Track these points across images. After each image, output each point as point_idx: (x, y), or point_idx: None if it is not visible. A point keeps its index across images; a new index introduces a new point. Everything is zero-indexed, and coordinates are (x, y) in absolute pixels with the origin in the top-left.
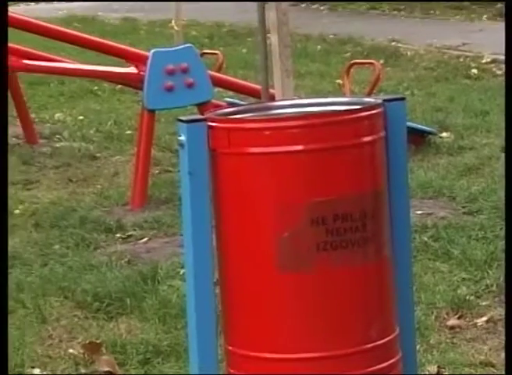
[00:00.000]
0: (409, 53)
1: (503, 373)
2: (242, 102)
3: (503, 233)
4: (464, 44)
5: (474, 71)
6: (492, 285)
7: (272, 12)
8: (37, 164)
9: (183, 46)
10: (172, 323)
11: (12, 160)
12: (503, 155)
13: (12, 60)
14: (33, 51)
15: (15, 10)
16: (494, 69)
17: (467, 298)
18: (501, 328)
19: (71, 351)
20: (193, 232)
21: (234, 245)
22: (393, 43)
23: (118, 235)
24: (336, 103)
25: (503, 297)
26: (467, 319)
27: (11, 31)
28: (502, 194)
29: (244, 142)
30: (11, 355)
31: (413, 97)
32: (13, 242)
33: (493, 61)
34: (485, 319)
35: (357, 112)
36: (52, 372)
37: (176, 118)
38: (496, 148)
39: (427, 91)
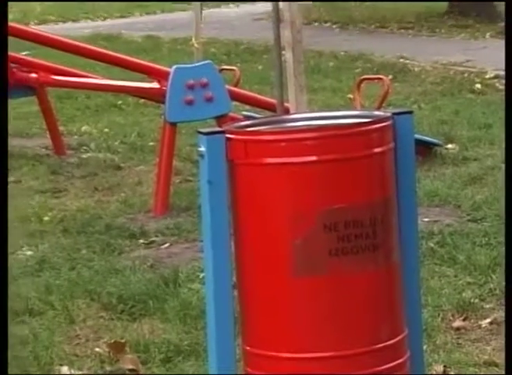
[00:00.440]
0: (416, 69)
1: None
2: (258, 115)
3: None
4: (468, 60)
5: (478, 86)
6: (495, 289)
7: (286, 30)
8: (65, 174)
9: (202, 62)
10: (192, 324)
11: (42, 170)
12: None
13: (41, 76)
14: (62, 68)
15: (44, 29)
16: (497, 85)
17: (472, 301)
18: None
19: (97, 350)
20: (212, 238)
21: (251, 251)
22: (401, 60)
23: (141, 241)
24: (348, 116)
25: None
26: (472, 321)
27: (41, 49)
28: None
29: (260, 153)
30: (41, 353)
31: (420, 110)
32: (43, 247)
33: (496, 76)
34: (488, 321)
35: (368, 125)
36: (79, 369)
37: (195, 130)
38: (499, 159)
39: (433, 104)
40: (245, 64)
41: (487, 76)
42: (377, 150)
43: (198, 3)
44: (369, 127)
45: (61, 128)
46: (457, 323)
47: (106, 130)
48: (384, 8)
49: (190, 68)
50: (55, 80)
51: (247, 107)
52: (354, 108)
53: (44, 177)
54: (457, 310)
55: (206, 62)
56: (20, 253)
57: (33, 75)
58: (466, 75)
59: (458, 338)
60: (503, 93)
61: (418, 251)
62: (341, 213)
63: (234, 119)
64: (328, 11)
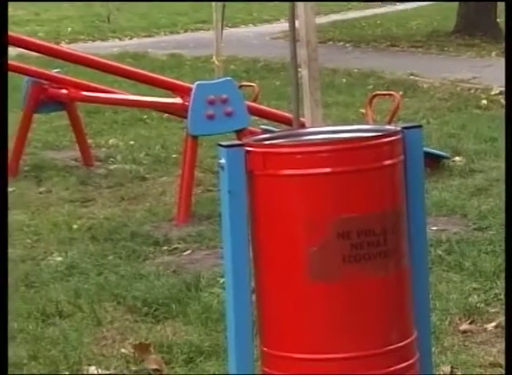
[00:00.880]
0: (425, 86)
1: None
2: (276, 129)
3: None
4: (474, 77)
5: (484, 102)
6: (500, 294)
7: (302, 49)
8: (93, 184)
9: (223, 79)
10: (213, 326)
11: (71, 180)
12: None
13: (71, 92)
14: (91, 84)
15: (74, 48)
16: (502, 100)
17: (478, 305)
18: None
19: (123, 350)
20: (232, 245)
21: (269, 257)
22: (411, 76)
23: (164, 248)
24: (360, 130)
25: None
26: (478, 324)
27: (71, 66)
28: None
29: (278, 165)
30: (70, 353)
31: (429, 125)
32: (72, 254)
33: (501, 93)
34: (493, 324)
35: (379, 139)
36: (106, 369)
37: (216, 143)
38: (504, 171)
39: (441, 119)
40: (263, 80)
41: (492, 93)
42: (388, 162)
43: (219, 23)
44: (380, 141)
45: (89, 141)
46: (464, 327)
47: (132, 142)
48: (395, 26)
49: (211, 84)
50: (84, 95)
51: (265, 121)
52: (366, 123)
53: (73, 187)
54: (464, 314)
55: (226, 78)
56: (51, 259)
57: (64, 91)
58: (472, 91)
59: (465, 341)
60: None
61: (427, 258)
62: (354, 222)
63: (253, 133)
64: (341, 30)
